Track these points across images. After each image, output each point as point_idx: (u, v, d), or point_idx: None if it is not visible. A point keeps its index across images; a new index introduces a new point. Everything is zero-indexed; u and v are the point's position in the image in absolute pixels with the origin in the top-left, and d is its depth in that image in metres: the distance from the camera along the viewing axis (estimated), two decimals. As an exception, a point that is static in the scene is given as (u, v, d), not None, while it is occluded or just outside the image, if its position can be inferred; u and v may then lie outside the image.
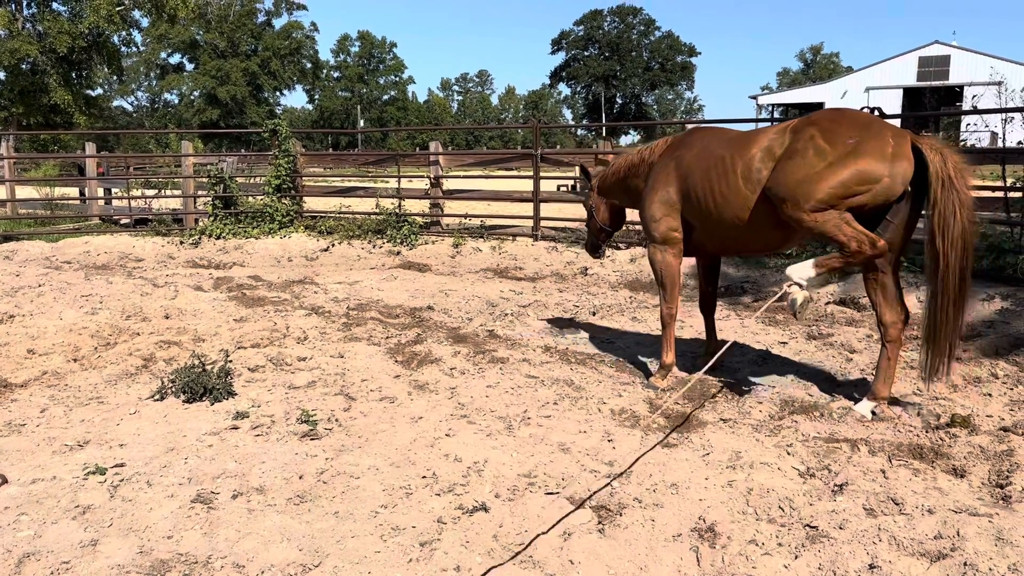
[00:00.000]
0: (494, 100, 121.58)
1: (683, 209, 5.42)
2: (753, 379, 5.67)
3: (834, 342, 6.62)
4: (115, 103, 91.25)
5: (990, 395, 5.17)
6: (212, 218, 13.05)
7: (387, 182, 14.83)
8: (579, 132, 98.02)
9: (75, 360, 6.49)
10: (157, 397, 5.33)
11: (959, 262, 4.38)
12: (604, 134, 59.96)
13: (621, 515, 3.56)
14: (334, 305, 8.37)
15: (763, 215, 4.87)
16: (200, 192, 14.42)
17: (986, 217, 8.11)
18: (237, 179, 13.80)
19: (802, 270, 4.66)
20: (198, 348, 6.82)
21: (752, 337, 6.86)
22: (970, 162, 8.95)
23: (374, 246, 12.20)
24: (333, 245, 12.29)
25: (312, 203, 14.60)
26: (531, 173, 11.97)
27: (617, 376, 5.80)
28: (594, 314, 7.90)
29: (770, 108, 59.23)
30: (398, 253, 11.91)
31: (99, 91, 67.55)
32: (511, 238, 11.87)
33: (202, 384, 5.26)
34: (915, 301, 7.63)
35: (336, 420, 4.88)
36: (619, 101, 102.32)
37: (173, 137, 30.42)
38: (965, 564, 3.01)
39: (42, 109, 40.32)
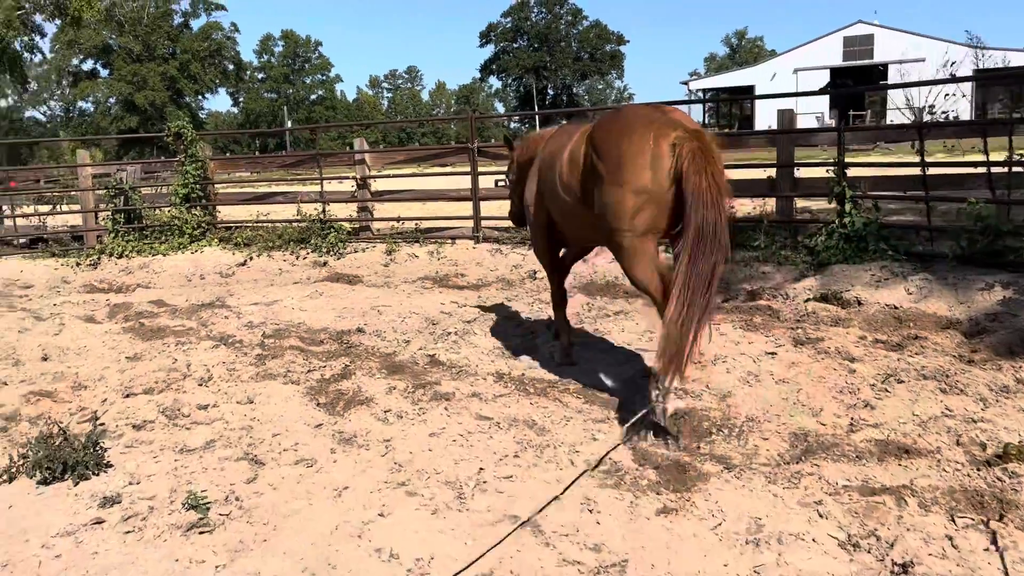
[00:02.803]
0: (425, 96, 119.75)
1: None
2: (746, 403, 4.75)
3: (828, 348, 5.74)
4: (28, 114, 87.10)
5: (1029, 410, 4.34)
6: (113, 234, 11.64)
7: (317, 185, 13.59)
8: (512, 124, 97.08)
9: (-85, 426, 5.23)
10: (4, 479, 4.15)
11: (700, 251, 4.04)
12: (539, 125, 59.21)
13: (624, 642, 2.56)
14: (247, 333, 7.20)
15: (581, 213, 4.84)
16: (102, 206, 12.95)
17: (981, 196, 7.37)
18: (141, 189, 12.39)
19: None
20: (77, 399, 5.62)
21: (734, 347, 5.94)
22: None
23: (297, 257, 10.99)
24: (251, 258, 11.04)
25: (228, 212, 13.28)
26: (468, 169, 10.92)
27: (587, 411, 4.81)
28: (550, 327, 6.91)
29: (701, 93, 59.19)
30: (324, 264, 10.73)
31: (8, 102, 63.94)
32: (450, 241, 10.80)
33: (62, 459, 4.09)
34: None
35: (236, 499, 3.78)
36: (550, 92, 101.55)
37: (67, 146, 28.39)
38: None
39: (-63, 122, 37.51)
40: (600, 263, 9.11)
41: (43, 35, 42.54)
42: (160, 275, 10.81)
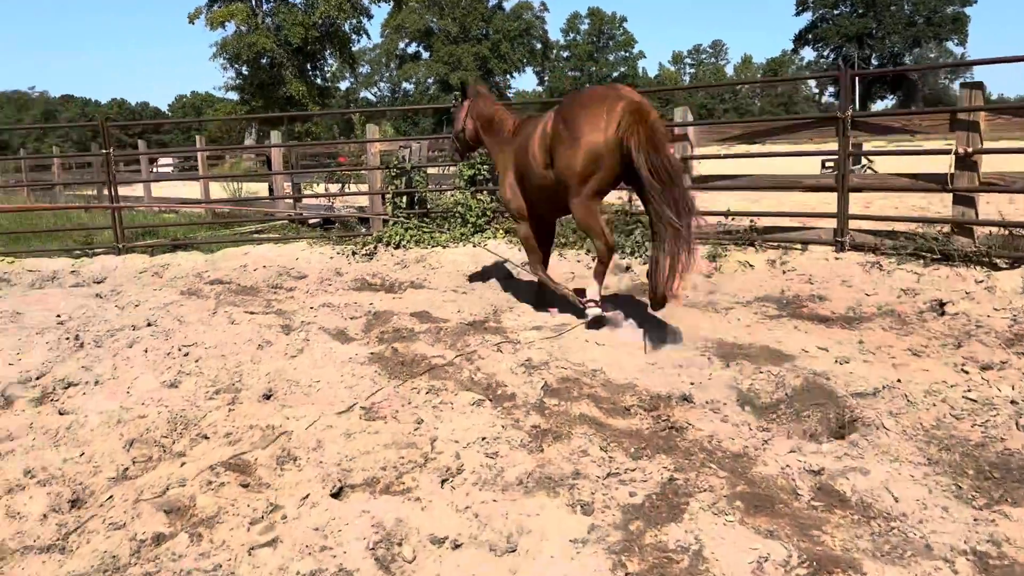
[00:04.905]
0: (729, 71, 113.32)
1: None
2: None
3: None
4: (361, 94, 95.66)
5: None
6: (393, 221, 10.29)
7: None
8: (824, 99, 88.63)
9: (63, 509, 3.73)
10: None
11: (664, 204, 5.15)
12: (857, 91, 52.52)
13: None
14: (523, 381, 5.05)
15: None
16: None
17: None
18: (427, 169, 10.95)
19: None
20: (276, 482, 3.84)
21: None
22: None
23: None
24: (540, 257, 9.03)
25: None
26: (828, 148, 7.94)
27: None
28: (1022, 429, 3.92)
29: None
30: (627, 268, 8.41)
31: (347, 84, 70.14)
32: (799, 247, 7.94)
33: None
34: None
35: None
36: (874, 62, 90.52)
37: (358, 119, 28.86)
38: None
39: (279, 101, 41.12)
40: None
41: (370, 17, 45.12)
42: (436, 272, 9.20)
